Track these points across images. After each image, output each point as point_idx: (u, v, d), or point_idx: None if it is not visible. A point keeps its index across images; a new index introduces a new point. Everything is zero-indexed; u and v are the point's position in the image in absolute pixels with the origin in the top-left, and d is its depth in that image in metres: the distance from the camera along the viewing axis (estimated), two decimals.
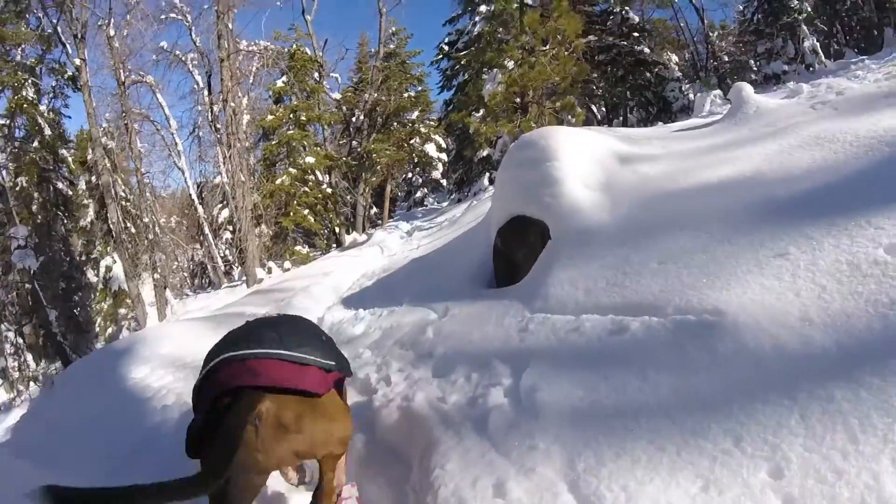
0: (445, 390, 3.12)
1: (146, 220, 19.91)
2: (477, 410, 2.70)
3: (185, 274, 28.51)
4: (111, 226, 18.34)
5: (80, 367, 5.63)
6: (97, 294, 20.45)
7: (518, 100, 16.30)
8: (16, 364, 15.81)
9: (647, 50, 26.70)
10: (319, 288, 8.95)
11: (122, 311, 20.38)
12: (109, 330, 20.21)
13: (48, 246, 21.38)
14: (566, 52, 16.02)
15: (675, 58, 28.90)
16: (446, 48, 30.17)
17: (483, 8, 27.28)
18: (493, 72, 16.24)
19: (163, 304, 19.52)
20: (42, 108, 19.56)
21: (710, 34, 29.65)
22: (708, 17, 29.48)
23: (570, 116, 16.21)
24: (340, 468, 2.25)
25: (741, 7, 30.43)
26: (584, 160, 4.67)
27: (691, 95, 27.82)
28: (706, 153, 4.63)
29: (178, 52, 22.90)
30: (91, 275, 20.93)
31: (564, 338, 2.98)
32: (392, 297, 6.22)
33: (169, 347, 5.10)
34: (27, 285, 14.78)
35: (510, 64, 15.95)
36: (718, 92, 17.91)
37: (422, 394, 3.15)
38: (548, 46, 16.03)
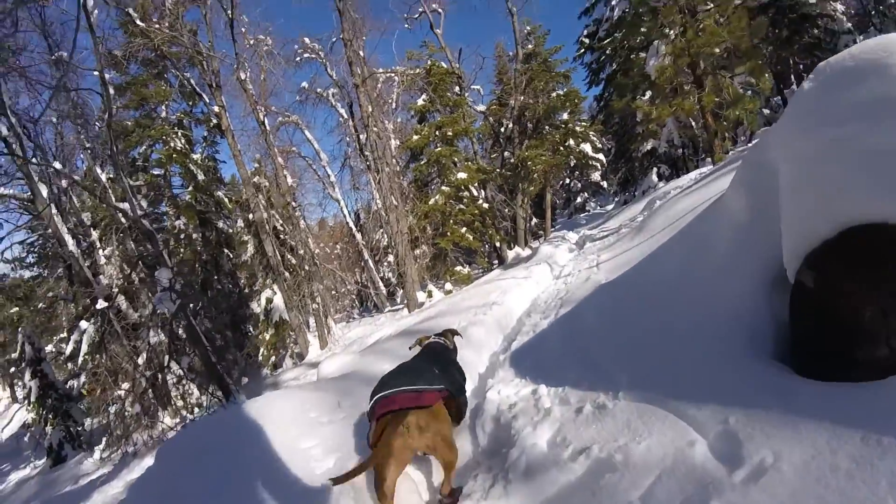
0: None
1: (301, 251, 19.12)
2: None
3: (354, 296, 28.06)
4: (269, 259, 18.02)
5: (170, 449, 3.99)
6: (259, 325, 20.02)
7: (689, 73, 12.91)
8: (180, 393, 15.98)
9: (811, 0, 21.74)
10: (481, 329, 6.73)
11: (290, 339, 19.85)
12: (273, 359, 19.69)
13: (217, 280, 21.81)
14: (735, 7, 12.46)
15: (839, 6, 23.43)
16: (587, 41, 27.33)
17: None
18: (653, 45, 13.05)
19: (324, 333, 18.65)
20: (196, 156, 20.06)
21: None
22: None
23: (756, 84, 12.67)
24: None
25: None
26: None
27: None
28: None
29: (318, 90, 22.46)
30: (255, 306, 20.67)
31: None
32: (589, 362, 3.87)
33: (275, 442, 3.40)
34: (183, 322, 14.63)
35: (671, 33, 12.68)
36: None
37: None
38: (711, 6, 12.53)
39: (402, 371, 3.21)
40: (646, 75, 13.01)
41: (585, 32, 27.65)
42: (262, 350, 20.14)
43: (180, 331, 14.67)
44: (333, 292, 21.54)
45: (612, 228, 13.76)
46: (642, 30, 12.58)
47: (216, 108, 16.92)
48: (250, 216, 19.28)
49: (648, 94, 14.47)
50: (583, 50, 27.26)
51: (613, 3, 24.24)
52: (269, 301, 19.89)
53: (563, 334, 5.04)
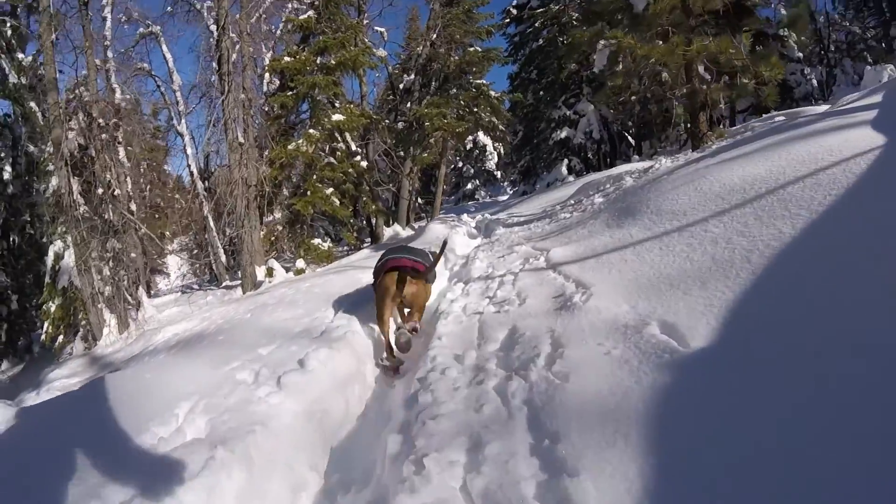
0: None
1: (100, 191, 12.70)
2: None
3: (198, 263, 21.78)
4: (61, 198, 12.09)
5: None
6: (44, 290, 13.44)
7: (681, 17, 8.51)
8: None
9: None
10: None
11: (82, 313, 13.29)
12: (60, 338, 13.16)
13: (30, 222, 16.02)
14: None
15: (793, 35, 21.05)
16: (514, 11, 22.96)
17: None
18: None
19: (123, 310, 12.57)
20: (23, 56, 14.05)
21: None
22: None
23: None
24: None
25: None
26: None
27: (814, 81, 20.31)
28: None
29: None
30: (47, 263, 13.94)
31: None
32: None
33: None
34: None
35: None
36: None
37: None
38: None
39: (404, 248, 4.43)
40: (627, 4, 8.49)
41: (515, 3, 23.27)
42: (47, 325, 13.51)
43: None
44: (144, 257, 15.46)
45: (536, 213, 9.36)
46: None
47: None
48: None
49: (626, 32, 9.84)
50: (508, 20, 22.82)
51: None
52: (59, 257, 13.34)
53: None
